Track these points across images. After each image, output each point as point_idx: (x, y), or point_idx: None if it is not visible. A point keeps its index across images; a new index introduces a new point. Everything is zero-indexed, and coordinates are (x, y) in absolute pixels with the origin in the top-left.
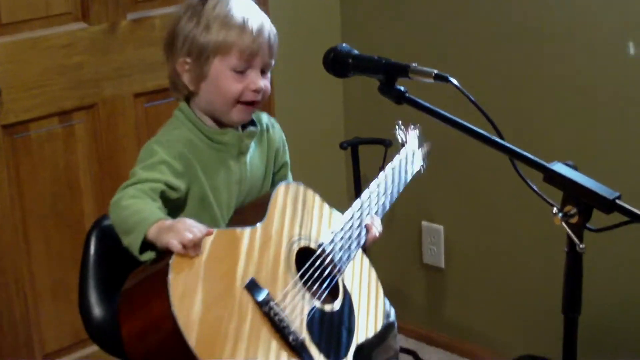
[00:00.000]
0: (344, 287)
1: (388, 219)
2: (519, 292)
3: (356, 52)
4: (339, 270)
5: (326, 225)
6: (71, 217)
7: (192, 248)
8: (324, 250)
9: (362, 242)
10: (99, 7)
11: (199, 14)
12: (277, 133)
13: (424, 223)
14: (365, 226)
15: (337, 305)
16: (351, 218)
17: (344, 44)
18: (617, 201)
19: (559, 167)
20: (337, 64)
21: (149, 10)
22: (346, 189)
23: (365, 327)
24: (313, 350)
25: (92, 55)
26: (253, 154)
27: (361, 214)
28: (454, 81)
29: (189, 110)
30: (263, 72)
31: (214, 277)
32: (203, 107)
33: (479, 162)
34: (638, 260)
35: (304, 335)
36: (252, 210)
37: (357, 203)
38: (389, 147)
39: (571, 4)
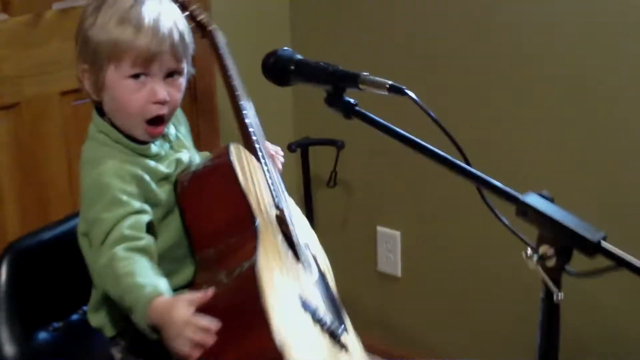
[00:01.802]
0: (306, 246)
1: (341, 222)
2: (479, 302)
3: (299, 57)
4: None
5: (264, 180)
6: None
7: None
8: (283, 211)
9: (280, 177)
10: None
11: (99, 9)
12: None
13: (380, 228)
14: (271, 157)
15: (315, 272)
16: (265, 164)
17: (285, 48)
18: (603, 243)
19: (534, 199)
20: (278, 70)
21: (77, 0)
22: (295, 192)
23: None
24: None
25: (13, 50)
26: (178, 142)
27: (261, 149)
28: (412, 94)
29: (108, 127)
30: (170, 78)
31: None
32: (110, 118)
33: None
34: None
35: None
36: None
37: (254, 139)
38: (342, 148)
39: (547, 24)
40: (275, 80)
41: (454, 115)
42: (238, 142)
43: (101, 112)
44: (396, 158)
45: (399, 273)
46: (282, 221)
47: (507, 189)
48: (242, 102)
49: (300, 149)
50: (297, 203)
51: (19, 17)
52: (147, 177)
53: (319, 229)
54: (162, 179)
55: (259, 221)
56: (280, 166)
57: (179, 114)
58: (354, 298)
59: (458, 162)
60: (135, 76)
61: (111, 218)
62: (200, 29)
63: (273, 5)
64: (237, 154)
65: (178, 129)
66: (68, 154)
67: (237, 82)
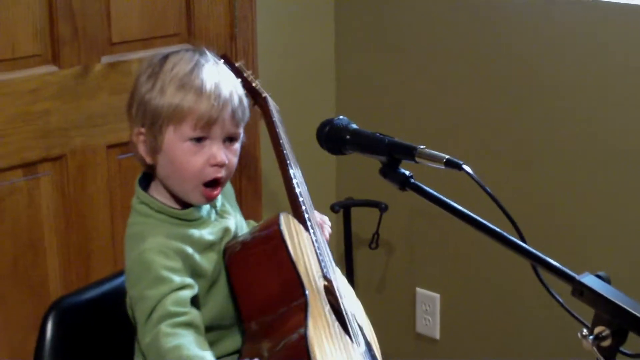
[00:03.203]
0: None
1: (381, 283)
2: None
3: (355, 126)
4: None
5: (312, 250)
6: (33, 279)
7: None
8: (331, 282)
9: (328, 247)
10: (70, 49)
11: (157, 75)
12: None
13: (419, 290)
14: (319, 227)
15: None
16: (314, 234)
17: (341, 117)
18: None
19: (591, 280)
20: (333, 139)
21: (125, 54)
22: (336, 252)
23: None
24: None
25: (61, 102)
26: (224, 208)
27: (310, 219)
28: (468, 169)
29: (151, 198)
30: (228, 143)
31: None
32: (163, 183)
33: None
34: None
35: None
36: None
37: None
38: (385, 211)
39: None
40: (330, 148)
41: (508, 189)
42: (287, 212)
43: (143, 183)
44: (437, 220)
45: (437, 335)
46: (330, 292)
47: (564, 268)
48: (292, 171)
49: (343, 210)
50: (337, 263)
51: (68, 69)
52: (190, 250)
53: (358, 288)
54: (207, 247)
55: (308, 292)
56: (327, 236)
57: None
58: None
59: (513, 238)
60: (196, 140)
61: (155, 295)
62: (252, 95)
63: (318, 68)
64: (287, 224)
65: (225, 195)
66: (111, 206)
67: (288, 151)
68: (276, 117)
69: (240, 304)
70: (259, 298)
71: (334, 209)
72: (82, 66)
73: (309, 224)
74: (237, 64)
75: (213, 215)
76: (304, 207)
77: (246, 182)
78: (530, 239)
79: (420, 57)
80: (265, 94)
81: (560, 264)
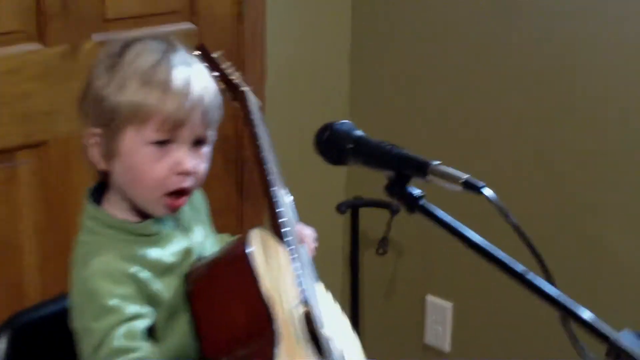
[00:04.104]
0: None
1: (388, 289)
2: None
3: (360, 133)
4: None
5: (290, 272)
6: (6, 279)
7: None
8: (310, 308)
9: (312, 265)
10: (58, 25)
11: (115, 67)
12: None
13: (429, 297)
14: (301, 240)
15: None
16: (294, 252)
17: (344, 121)
18: None
19: (630, 339)
20: (332, 147)
21: (120, 32)
22: (341, 256)
23: None
24: None
25: (45, 84)
26: (189, 222)
27: (290, 234)
28: (489, 194)
29: (100, 212)
30: (196, 147)
31: None
32: (120, 193)
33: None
34: None
35: None
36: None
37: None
38: (396, 213)
39: None
40: (329, 158)
41: (537, 217)
42: (261, 227)
43: (96, 195)
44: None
45: (447, 348)
46: (309, 319)
47: (599, 324)
48: (270, 177)
49: (350, 210)
50: (343, 267)
51: (54, 47)
52: (145, 274)
53: (363, 294)
54: (166, 270)
55: (278, 325)
56: (311, 252)
57: (196, 191)
58: None
59: (539, 281)
60: (159, 143)
61: (102, 328)
62: (230, 90)
63: (334, 56)
64: (260, 243)
65: (193, 206)
66: None
67: (267, 153)
68: (255, 115)
69: (202, 339)
70: (223, 332)
71: (340, 209)
72: (70, 44)
73: (287, 240)
74: (214, 55)
75: (175, 231)
76: (282, 220)
77: (248, 202)
78: (560, 284)
79: (441, 58)
80: (244, 88)
81: (595, 312)
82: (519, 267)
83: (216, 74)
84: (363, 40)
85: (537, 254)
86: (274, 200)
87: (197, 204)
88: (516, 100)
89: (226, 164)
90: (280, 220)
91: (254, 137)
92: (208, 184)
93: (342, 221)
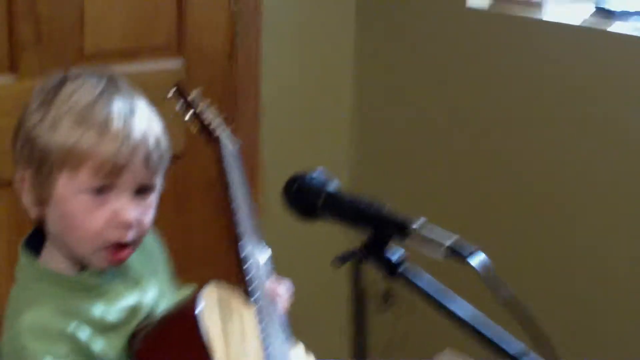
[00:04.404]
0: None
1: (395, 348)
2: None
3: (334, 187)
4: None
5: (254, 333)
6: None
7: None
8: None
9: (283, 323)
10: (33, 56)
11: (49, 104)
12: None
13: (446, 354)
14: (273, 298)
15: None
16: (260, 311)
17: (318, 171)
18: None
19: None
20: (302, 201)
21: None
22: (344, 311)
23: None
24: None
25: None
26: (140, 273)
27: (256, 289)
28: (479, 263)
29: (34, 263)
30: (140, 195)
31: None
32: (56, 241)
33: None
34: None
35: None
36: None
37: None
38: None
39: None
40: (299, 212)
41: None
42: (218, 281)
43: (34, 242)
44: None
45: None
46: None
47: None
48: (239, 229)
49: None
50: (345, 324)
51: (29, 80)
52: (83, 334)
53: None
54: (109, 329)
55: None
56: (283, 309)
57: (150, 238)
58: None
59: None
60: (96, 190)
61: None
62: (205, 133)
63: (334, 97)
64: (214, 301)
65: (145, 254)
66: None
67: (239, 203)
68: (228, 162)
69: None
70: None
71: (335, 263)
72: (45, 76)
73: (254, 297)
74: (190, 96)
75: (122, 285)
76: (248, 275)
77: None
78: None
79: (441, 108)
80: (218, 133)
81: None
82: (515, 348)
83: (191, 112)
84: (364, 79)
85: (539, 333)
86: (240, 254)
87: (150, 251)
88: (516, 141)
89: (214, 209)
90: (246, 276)
91: (224, 186)
92: (194, 231)
93: (344, 271)
